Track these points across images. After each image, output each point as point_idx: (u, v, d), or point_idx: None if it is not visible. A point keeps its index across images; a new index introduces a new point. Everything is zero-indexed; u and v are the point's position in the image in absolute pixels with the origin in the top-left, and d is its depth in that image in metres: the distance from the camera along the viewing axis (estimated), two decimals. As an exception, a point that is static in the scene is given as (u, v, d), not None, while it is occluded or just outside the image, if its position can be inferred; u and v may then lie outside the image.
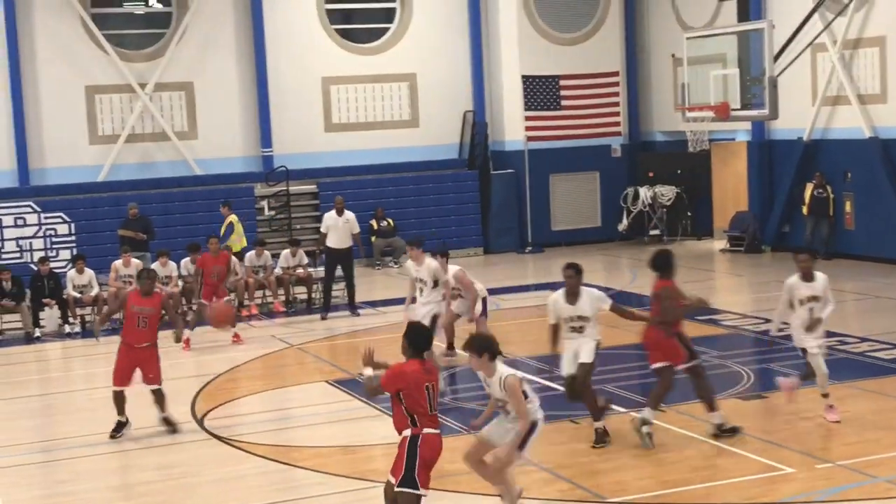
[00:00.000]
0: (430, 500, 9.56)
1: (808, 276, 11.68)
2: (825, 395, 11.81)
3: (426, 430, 8.15)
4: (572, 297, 11.22)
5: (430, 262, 14.32)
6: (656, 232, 27.80)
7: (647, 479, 10.37)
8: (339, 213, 19.94)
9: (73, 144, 25.47)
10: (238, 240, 21.47)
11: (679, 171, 27.79)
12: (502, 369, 9.02)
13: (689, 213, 27.93)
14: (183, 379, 15.64)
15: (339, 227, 19.82)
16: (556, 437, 12.04)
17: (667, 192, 27.78)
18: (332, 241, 19.83)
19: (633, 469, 10.69)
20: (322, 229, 20.18)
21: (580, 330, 11.28)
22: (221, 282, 18.19)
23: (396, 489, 8.09)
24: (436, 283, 14.19)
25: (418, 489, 8.06)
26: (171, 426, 12.69)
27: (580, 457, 11.16)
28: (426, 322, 13.47)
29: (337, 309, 20.16)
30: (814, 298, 11.65)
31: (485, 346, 8.89)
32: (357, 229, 20.08)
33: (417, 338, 8.30)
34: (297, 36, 27.04)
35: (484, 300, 15.67)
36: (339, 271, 20.11)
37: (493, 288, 22.15)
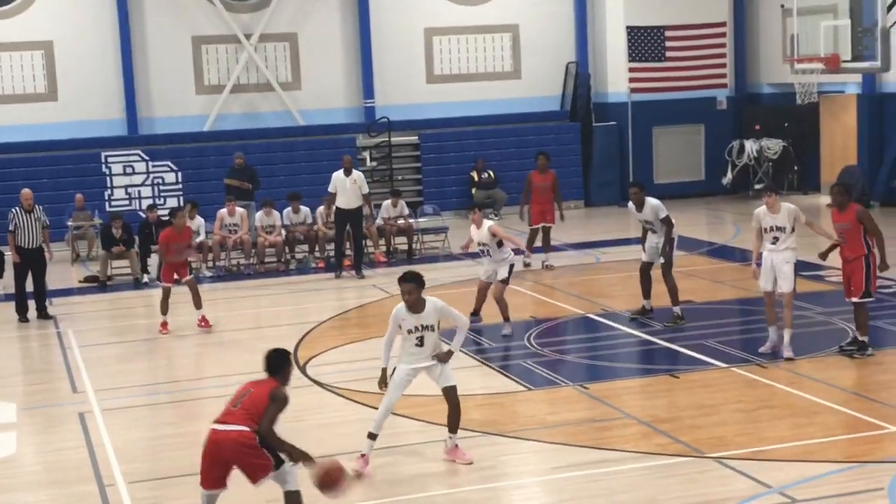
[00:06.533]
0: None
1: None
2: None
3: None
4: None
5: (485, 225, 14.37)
6: (761, 186, 27.29)
7: (747, 434, 10.28)
8: (347, 172, 19.23)
9: (180, 94, 25.90)
10: None
11: (786, 125, 27.19)
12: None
13: (795, 168, 27.36)
14: (284, 326, 15.93)
15: (346, 188, 19.16)
16: (655, 391, 12.01)
17: (773, 146, 27.23)
18: (341, 202, 19.19)
19: (734, 424, 10.61)
20: (330, 189, 19.45)
21: None
22: (186, 261, 16.41)
23: None
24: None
25: None
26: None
27: (679, 411, 11.11)
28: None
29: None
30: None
31: None
32: (366, 189, 19.45)
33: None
34: (400, -14, 27.05)
35: None
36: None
37: (594, 241, 22.10)
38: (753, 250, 13.38)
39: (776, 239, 12.95)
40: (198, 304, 15.89)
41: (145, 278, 19.79)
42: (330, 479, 8.06)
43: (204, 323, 15.88)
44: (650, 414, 11.04)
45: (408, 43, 27.12)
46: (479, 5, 27.63)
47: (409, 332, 9.90)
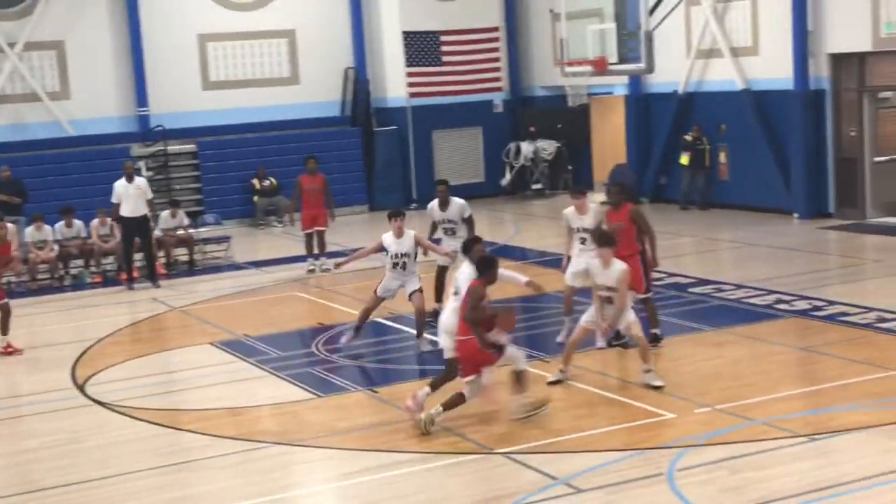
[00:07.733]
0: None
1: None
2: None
3: None
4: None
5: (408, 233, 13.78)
6: (538, 186, 28.05)
7: (533, 429, 10.51)
8: (130, 179, 18.79)
9: (-61, 106, 24.61)
10: None
11: (559, 126, 28.03)
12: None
13: (569, 168, 28.22)
14: (61, 344, 15.34)
15: (130, 195, 18.74)
16: (443, 391, 12.12)
17: (548, 147, 28.01)
18: (126, 210, 18.72)
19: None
20: (113, 199, 18.92)
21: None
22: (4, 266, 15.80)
23: None
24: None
25: None
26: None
27: (467, 409, 11.25)
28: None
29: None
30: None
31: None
32: (150, 195, 19.09)
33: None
34: (172, -8, 26.48)
35: None
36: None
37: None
38: (565, 250, 13.64)
39: (584, 240, 13.21)
40: (5, 329, 14.97)
41: None
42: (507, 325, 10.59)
43: (10, 349, 15.01)
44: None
45: (181, 49, 26.57)
46: (253, 11, 27.33)
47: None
